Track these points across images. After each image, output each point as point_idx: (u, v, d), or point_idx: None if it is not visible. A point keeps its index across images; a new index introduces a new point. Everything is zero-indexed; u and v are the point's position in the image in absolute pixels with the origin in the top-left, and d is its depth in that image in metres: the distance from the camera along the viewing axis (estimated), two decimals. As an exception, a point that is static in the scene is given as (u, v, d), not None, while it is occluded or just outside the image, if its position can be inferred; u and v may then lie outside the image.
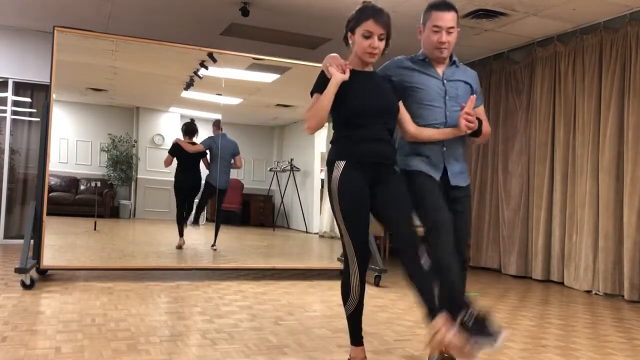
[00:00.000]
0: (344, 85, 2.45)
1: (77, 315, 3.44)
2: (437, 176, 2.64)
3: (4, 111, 7.15)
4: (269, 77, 6.44)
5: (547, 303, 4.88)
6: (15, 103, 7.23)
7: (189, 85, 6.41)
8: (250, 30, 6.66)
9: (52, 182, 6.79)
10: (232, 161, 6.48)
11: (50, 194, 4.81)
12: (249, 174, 7.98)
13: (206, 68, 5.62)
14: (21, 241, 4.95)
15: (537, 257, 6.27)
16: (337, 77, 2.43)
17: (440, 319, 2.24)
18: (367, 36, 2.46)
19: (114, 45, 5.36)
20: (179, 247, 6.14)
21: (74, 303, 3.79)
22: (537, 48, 6.49)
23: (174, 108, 7.46)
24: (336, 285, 3.87)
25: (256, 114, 7.79)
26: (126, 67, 6.21)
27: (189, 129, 6.39)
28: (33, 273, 4.37)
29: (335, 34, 6.59)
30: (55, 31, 4.64)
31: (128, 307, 3.74)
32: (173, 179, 6.38)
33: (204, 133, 6.52)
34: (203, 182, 6.40)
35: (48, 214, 4.55)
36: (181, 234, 6.20)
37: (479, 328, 2.32)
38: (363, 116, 2.48)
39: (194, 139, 6.39)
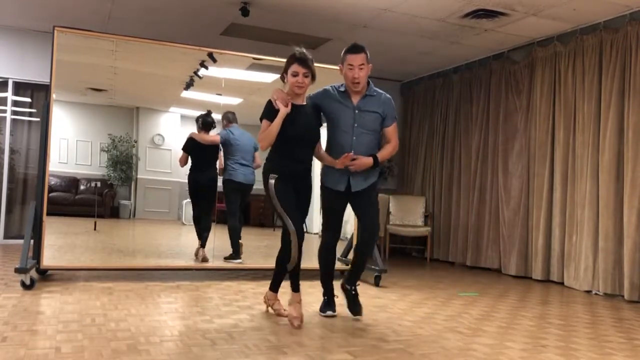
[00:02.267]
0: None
1: (77, 315, 3.44)
2: (342, 188, 3.64)
3: (4, 111, 7.15)
4: (269, 77, 6.42)
5: (547, 303, 4.88)
6: (15, 103, 7.23)
7: (189, 85, 6.39)
8: (250, 30, 6.66)
9: (52, 182, 6.78)
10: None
11: (50, 194, 4.80)
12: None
13: (206, 68, 5.61)
14: (21, 241, 4.96)
15: (537, 257, 6.26)
16: (283, 111, 3.37)
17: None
18: (295, 75, 3.41)
19: (114, 45, 5.35)
20: (197, 255, 5.51)
21: (74, 303, 3.79)
22: (537, 48, 6.49)
23: (174, 108, 7.45)
24: (336, 285, 3.88)
25: (256, 114, 7.77)
26: (126, 67, 6.20)
27: (206, 122, 5.76)
28: (33, 273, 4.37)
29: (335, 34, 6.60)
30: (55, 31, 4.64)
31: (128, 307, 3.74)
32: (179, 179, 5.89)
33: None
34: (221, 180, 5.79)
35: (48, 214, 4.55)
36: (200, 239, 5.61)
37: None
38: (291, 142, 3.44)
39: (211, 134, 5.81)
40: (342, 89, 3.65)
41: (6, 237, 7.11)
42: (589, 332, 3.77)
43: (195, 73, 5.94)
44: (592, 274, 5.59)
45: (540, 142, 6.36)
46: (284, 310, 3.69)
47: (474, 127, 7.43)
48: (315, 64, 3.50)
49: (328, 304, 3.85)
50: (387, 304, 4.36)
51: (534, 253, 6.32)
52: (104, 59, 5.86)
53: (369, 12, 5.87)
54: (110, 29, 6.56)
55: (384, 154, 3.69)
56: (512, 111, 6.84)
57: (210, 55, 5.34)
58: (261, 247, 7.00)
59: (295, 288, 3.54)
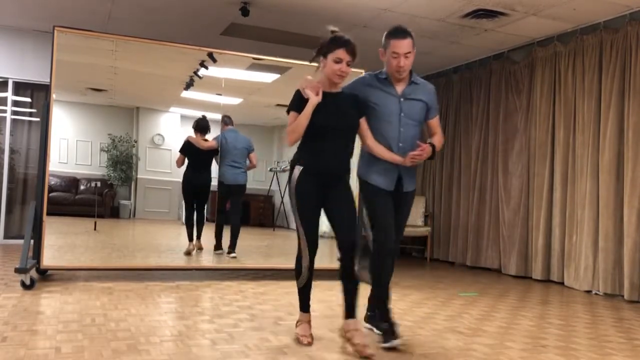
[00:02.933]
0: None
1: (77, 315, 3.44)
2: (390, 187, 3.22)
3: (4, 111, 7.15)
4: (269, 77, 6.43)
5: (547, 303, 4.88)
6: (15, 103, 7.23)
7: (189, 85, 6.40)
8: (250, 30, 6.66)
9: (52, 182, 6.79)
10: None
11: (50, 194, 4.80)
12: (249, 174, 7.98)
13: (206, 68, 5.61)
14: (21, 241, 4.96)
15: (537, 257, 6.26)
16: (314, 100, 2.95)
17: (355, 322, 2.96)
18: (338, 62, 2.96)
19: (114, 45, 5.36)
20: (188, 253, 5.85)
21: (74, 303, 3.79)
22: (537, 48, 6.49)
23: (174, 108, 7.46)
24: (336, 286, 3.87)
25: (256, 114, 7.80)
26: (126, 67, 6.21)
27: (201, 125, 6.01)
28: (33, 273, 4.37)
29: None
30: (55, 31, 4.64)
31: (128, 307, 3.74)
32: (179, 179, 6.08)
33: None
34: (215, 182, 6.04)
35: (48, 214, 4.56)
36: (190, 238, 5.91)
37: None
38: (324, 132, 3.00)
39: (206, 137, 6.05)
40: (382, 76, 3.25)
41: (6, 237, 7.11)
42: (589, 332, 3.77)
43: (195, 73, 5.95)
44: (592, 274, 5.59)
45: (540, 142, 6.36)
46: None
47: (474, 127, 7.43)
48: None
49: (388, 331, 3.11)
50: (387, 304, 4.36)
51: (534, 253, 6.32)
52: (104, 59, 5.87)
53: (369, 12, 5.87)
54: (110, 29, 6.56)
55: (438, 144, 3.27)
56: (512, 111, 6.83)
57: (210, 55, 5.35)
58: (261, 247, 7.01)
59: (305, 307, 3.15)
